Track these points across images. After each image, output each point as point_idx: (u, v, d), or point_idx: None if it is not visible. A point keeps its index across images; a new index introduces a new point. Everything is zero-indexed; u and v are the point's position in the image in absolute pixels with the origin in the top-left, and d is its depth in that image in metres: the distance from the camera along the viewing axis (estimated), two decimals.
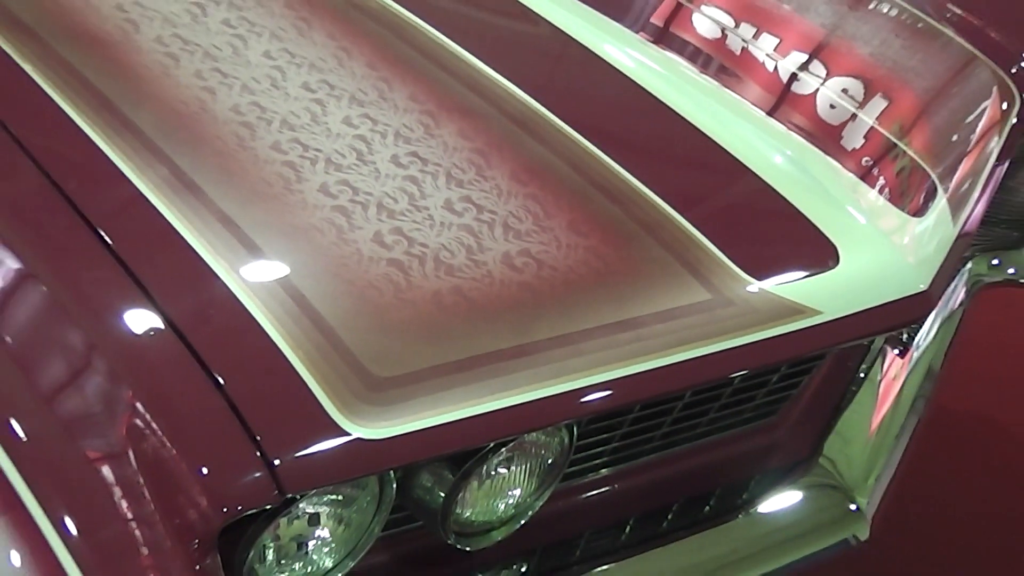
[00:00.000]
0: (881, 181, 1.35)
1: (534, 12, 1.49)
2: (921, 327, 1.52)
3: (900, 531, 1.76)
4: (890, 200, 1.31)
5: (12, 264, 0.97)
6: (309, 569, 1.00)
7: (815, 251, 1.18)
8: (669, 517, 1.31)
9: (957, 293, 1.62)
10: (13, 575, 0.83)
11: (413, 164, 1.14)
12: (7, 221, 0.98)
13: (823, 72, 1.51)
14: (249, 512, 0.87)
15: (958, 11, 1.61)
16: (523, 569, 1.24)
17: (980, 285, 1.68)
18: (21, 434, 0.86)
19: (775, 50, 1.53)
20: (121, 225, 1.00)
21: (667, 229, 1.15)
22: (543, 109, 1.29)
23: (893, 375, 1.49)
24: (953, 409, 2.13)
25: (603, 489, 1.24)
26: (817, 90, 1.48)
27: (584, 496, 1.23)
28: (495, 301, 1.02)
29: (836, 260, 1.18)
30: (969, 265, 1.67)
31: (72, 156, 1.06)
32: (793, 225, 1.22)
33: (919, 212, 1.30)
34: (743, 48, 1.54)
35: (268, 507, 0.88)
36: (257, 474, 0.85)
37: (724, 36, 1.54)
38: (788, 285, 1.13)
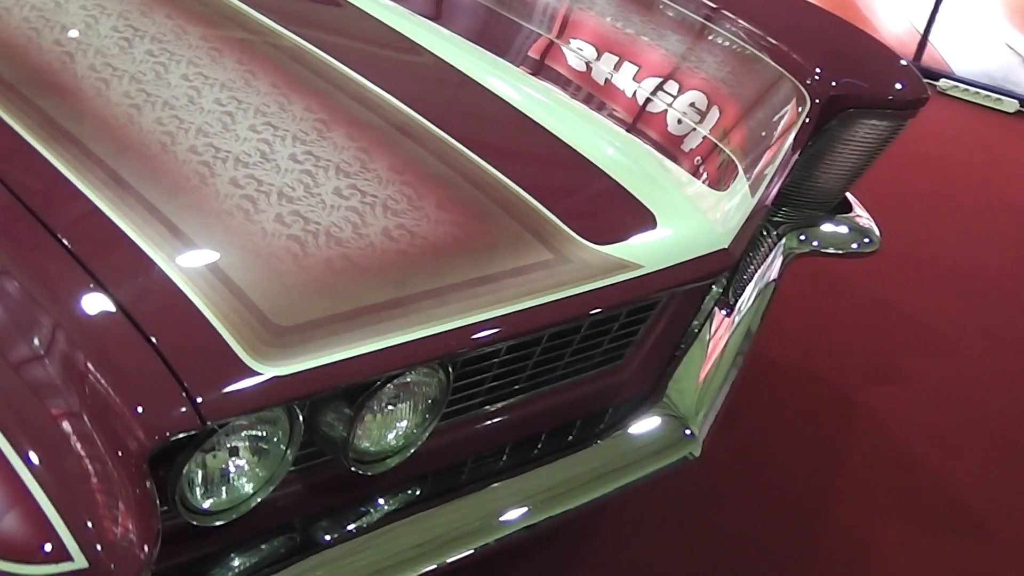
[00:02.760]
0: (698, 169, 1.65)
1: (411, 40, 1.74)
2: (744, 291, 1.83)
3: (724, 451, 2.20)
4: (703, 182, 1.61)
5: None
6: (233, 495, 1.21)
7: (638, 219, 1.47)
8: (539, 445, 1.58)
9: (774, 264, 1.95)
10: None
11: (308, 160, 1.39)
12: None
13: (666, 90, 1.81)
14: (177, 438, 1.06)
15: (772, 40, 1.95)
16: (418, 492, 1.48)
17: (792, 256, 2.02)
18: None
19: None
20: (66, 217, 1.21)
21: (518, 205, 1.43)
22: (417, 116, 1.55)
23: (720, 332, 1.80)
24: (770, 356, 2.54)
25: (482, 423, 1.49)
26: (652, 101, 1.78)
27: (466, 429, 1.47)
28: (376, 265, 1.27)
29: (655, 226, 1.46)
30: (783, 241, 2.01)
31: (26, 169, 1.26)
32: (620, 200, 1.50)
33: (725, 190, 1.60)
34: (587, 63, 1.83)
35: (193, 434, 1.08)
36: (182, 408, 1.05)
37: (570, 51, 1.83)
38: (615, 245, 1.40)
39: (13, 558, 0.91)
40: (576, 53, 1.88)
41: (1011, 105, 4.71)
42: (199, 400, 1.07)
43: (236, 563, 1.32)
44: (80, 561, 0.91)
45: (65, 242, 1.17)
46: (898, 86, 1.94)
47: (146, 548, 0.95)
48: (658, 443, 1.63)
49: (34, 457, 0.99)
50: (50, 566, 0.91)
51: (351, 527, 1.41)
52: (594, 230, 1.41)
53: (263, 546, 1.34)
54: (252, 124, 1.43)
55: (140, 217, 1.23)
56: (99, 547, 0.92)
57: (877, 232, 2.11)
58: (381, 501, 1.45)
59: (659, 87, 1.84)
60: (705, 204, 1.55)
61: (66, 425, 1.02)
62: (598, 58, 1.87)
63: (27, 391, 1.05)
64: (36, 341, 1.09)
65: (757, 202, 1.57)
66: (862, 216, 2.13)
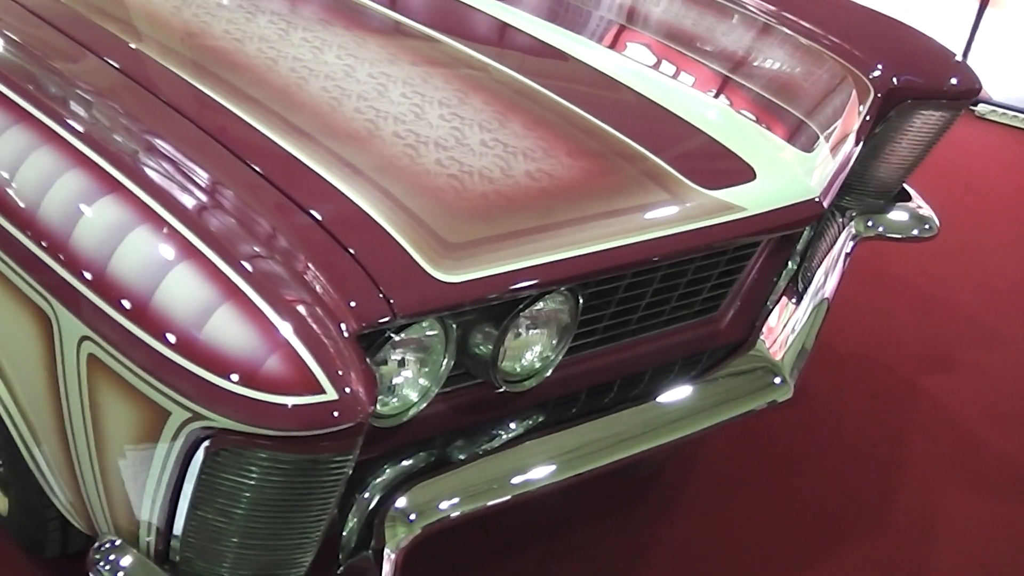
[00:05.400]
0: (785, 134, 1.86)
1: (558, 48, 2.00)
2: (818, 266, 2.02)
3: (795, 426, 2.44)
4: (792, 145, 1.81)
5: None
6: (402, 401, 1.40)
7: (739, 171, 1.68)
8: (644, 382, 1.76)
9: (845, 245, 2.14)
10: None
11: (455, 119, 1.60)
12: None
13: (751, 75, 2.06)
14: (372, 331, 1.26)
15: (834, 39, 2.18)
16: (540, 419, 1.66)
17: (859, 239, 2.23)
18: (249, 268, 1.20)
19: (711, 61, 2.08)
20: (287, 174, 1.40)
21: (635, 156, 1.64)
22: (542, 88, 1.78)
23: (803, 294, 1.99)
24: (832, 345, 2.77)
25: (598, 359, 1.68)
26: (740, 82, 2.01)
27: (583, 364, 1.66)
28: (523, 198, 1.48)
29: (754, 177, 1.67)
30: (852, 225, 2.20)
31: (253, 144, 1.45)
32: (722, 154, 1.72)
33: (811, 152, 1.80)
34: (684, 53, 2.07)
35: (388, 330, 1.28)
36: (381, 304, 1.25)
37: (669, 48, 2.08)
38: (722, 191, 1.61)
39: (281, 391, 1.10)
40: (675, 46, 2.13)
41: None
42: (392, 301, 1.26)
43: (387, 472, 1.50)
44: (332, 394, 1.10)
45: (295, 198, 1.36)
46: (953, 80, 2.15)
47: (372, 398, 1.14)
48: (753, 384, 1.81)
49: (288, 320, 1.15)
50: (309, 396, 1.10)
51: (483, 447, 1.59)
52: (702, 177, 1.61)
53: (407, 461, 1.53)
54: (402, 92, 1.66)
55: (335, 166, 1.43)
56: (347, 389, 1.11)
57: (936, 220, 2.31)
58: (512, 424, 1.64)
59: (743, 72, 2.07)
60: (795, 162, 1.76)
61: (303, 308, 1.19)
62: (693, 50, 2.12)
63: (279, 279, 1.21)
64: (281, 255, 1.25)
65: (839, 164, 1.77)
66: (922, 205, 2.33)
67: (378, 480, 1.49)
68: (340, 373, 1.12)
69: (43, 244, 1.27)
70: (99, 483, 1.35)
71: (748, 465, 2.32)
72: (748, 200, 1.61)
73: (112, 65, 1.57)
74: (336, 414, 1.11)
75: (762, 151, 1.75)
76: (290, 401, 1.09)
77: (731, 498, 2.22)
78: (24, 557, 1.80)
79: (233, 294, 1.15)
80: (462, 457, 1.57)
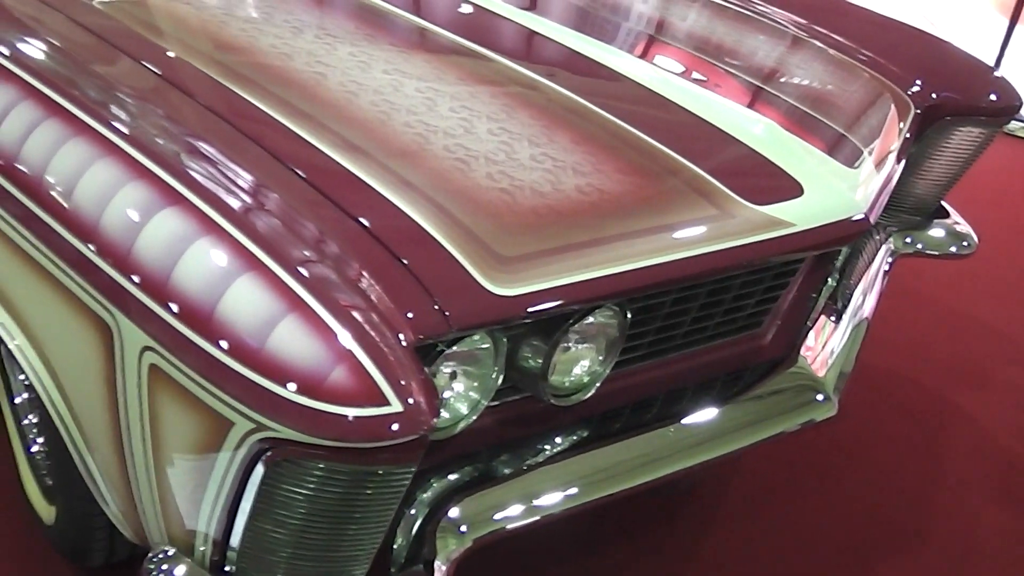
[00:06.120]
0: (830, 150, 1.86)
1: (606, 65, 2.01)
2: (857, 282, 2.02)
3: (830, 443, 2.45)
4: (836, 160, 1.82)
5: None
6: (453, 414, 1.40)
7: (786, 186, 1.68)
8: (687, 398, 1.76)
9: (883, 262, 2.14)
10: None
11: (503, 133, 1.61)
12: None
13: (790, 89, 2.08)
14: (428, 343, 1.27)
15: (869, 53, 2.19)
16: (584, 434, 1.66)
17: (898, 255, 2.22)
18: (311, 279, 1.21)
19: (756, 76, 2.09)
20: (342, 188, 1.41)
21: (684, 171, 1.65)
22: (588, 104, 1.79)
23: (843, 312, 1.99)
24: (866, 360, 2.74)
25: (642, 374, 1.68)
26: (781, 98, 2.02)
27: (628, 378, 1.66)
28: (574, 212, 1.49)
29: (802, 193, 1.67)
30: (890, 241, 2.20)
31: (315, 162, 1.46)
32: (769, 170, 1.72)
33: (856, 168, 1.81)
34: (727, 72, 2.08)
35: (441, 342, 1.28)
36: (438, 316, 1.26)
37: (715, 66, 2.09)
38: (770, 206, 1.61)
39: (347, 403, 1.11)
40: (714, 61, 2.14)
41: None
42: (447, 313, 1.26)
43: (434, 486, 1.50)
44: (396, 405, 1.11)
45: (351, 211, 1.36)
46: (993, 96, 2.15)
47: (435, 410, 1.15)
48: (794, 402, 1.81)
49: (351, 332, 1.16)
50: (375, 408, 1.10)
51: (528, 462, 1.59)
52: (751, 192, 1.61)
53: (453, 475, 1.53)
54: (451, 107, 1.67)
55: (391, 182, 1.44)
56: (410, 400, 1.12)
57: (975, 237, 2.30)
58: (557, 439, 1.64)
59: (783, 87, 2.08)
60: (840, 178, 1.76)
61: (364, 320, 1.19)
62: (733, 65, 2.13)
63: (340, 291, 1.22)
64: (339, 267, 1.26)
65: (883, 180, 1.78)
66: (959, 222, 2.33)
67: (425, 494, 1.50)
68: (403, 383, 1.13)
69: (105, 254, 1.29)
70: (154, 492, 1.36)
71: (782, 482, 2.32)
72: (796, 216, 1.61)
73: (170, 82, 1.59)
74: (401, 426, 1.11)
75: (808, 166, 1.75)
76: (356, 413, 1.10)
77: (766, 515, 2.21)
78: (66, 566, 1.81)
79: (297, 305, 1.16)
80: (507, 471, 1.58)
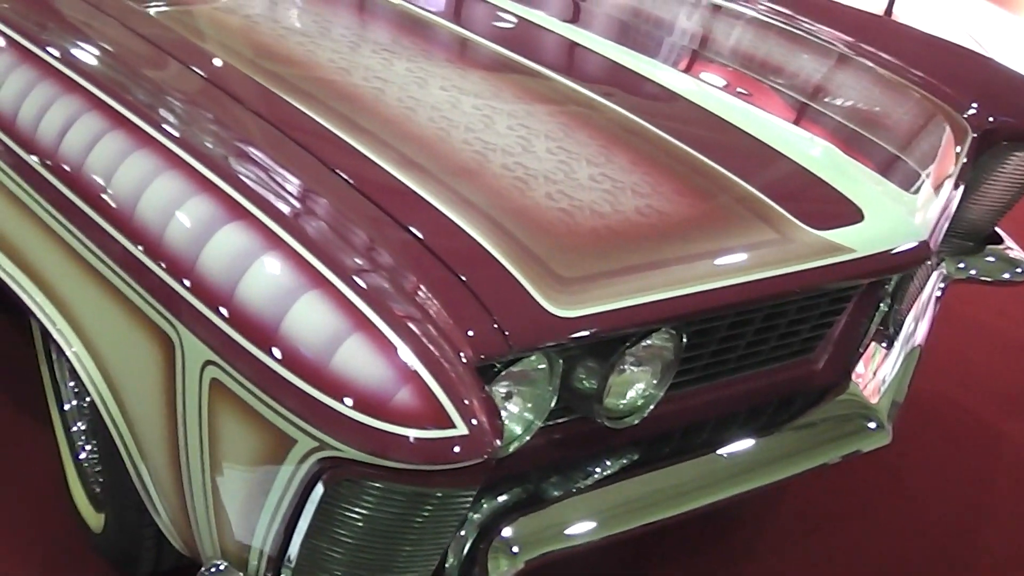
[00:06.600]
0: (887, 173, 1.84)
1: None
2: (910, 308, 1.99)
3: (879, 470, 2.41)
4: (895, 184, 1.79)
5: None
6: (507, 435, 1.37)
7: (846, 211, 1.66)
8: (737, 424, 1.74)
9: (935, 287, 2.11)
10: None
11: (561, 152, 1.61)
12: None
13: (845, 111, 2.06)
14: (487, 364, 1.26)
15: (921, 74, 2.16)
16: (635, 457, 1.64)
17: (950, 280, 2.19)
18: (376, 298, 1.20)
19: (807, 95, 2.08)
20: (403, 206, 1.40)
21: (743, 194, 1.63)
22: (645, 123, 1.78)
23: (896, 338, 1.96)
24: (915, 386, 2.73)
25: (694, 398, 1.66)
26: (838, 120, 2.01)
27: (679, 402, 1.64)
28: (633, 234, 1.47)
29: (862, 218, 1.65)
30: (942, 267, 2.17)
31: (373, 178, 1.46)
32: (829, 194, 1.70)
33: (915, 193, 1.78)
34: (781, 90, 2.07)
35: (499, 362, 1.27)
36: (497, 336, 1.25)
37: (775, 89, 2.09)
38: (830, 231, 1.59)
39: (412, 424, 1.10)
40: (771, 82, 2.12)
41: None
42: (507, 333, 1.26)
43: (484, 507, 1.49)
44: (461, 428, 1.10)
45: (413, 228, 1.36)
46: None
47: (498, 432, 1.14)
48: (845, 429, 1.78)
49: (416, 352, 1.15)
50: (439, 431, 1.10)
51: (578, 484, 1.58)
52: (811, 217, 1.59)
53: (503, 496, 1.52)
54: (508, 124, 1.67)
55: (451, 200, 1.43)
56: (475, 421, 1.11)
57: None
58: (608, 461, 1.62)
59: (840, 110, 2.06)
60: (900, 203, 1.73)
61: (429, 340, 1.18)
62: (789, 87, 2.12)
63: (404, 310, 1.21)
64: (402, 286, 1.26)
65: (942, 205, 1.75)
66: (1012, 247, 2.29)
67: (476, 515, 1.49)
68: (467, 403, 1.12)
69: (168, 268, 1.29)
70: (209, 506, 1.36)
71: (829, 509, 2.28)
72: (857, 241, 1.59)
73: (234, 96, 1.60)
74: (464, 448, 1.11)
75: (867, 191, 1.73)
76: (420, 434, 1.09)
77: (812, 543, 2.18)
78: (115, 574, 1.82)
79: (362, 324, 1.16)
80: (557, 493, 1.56)
